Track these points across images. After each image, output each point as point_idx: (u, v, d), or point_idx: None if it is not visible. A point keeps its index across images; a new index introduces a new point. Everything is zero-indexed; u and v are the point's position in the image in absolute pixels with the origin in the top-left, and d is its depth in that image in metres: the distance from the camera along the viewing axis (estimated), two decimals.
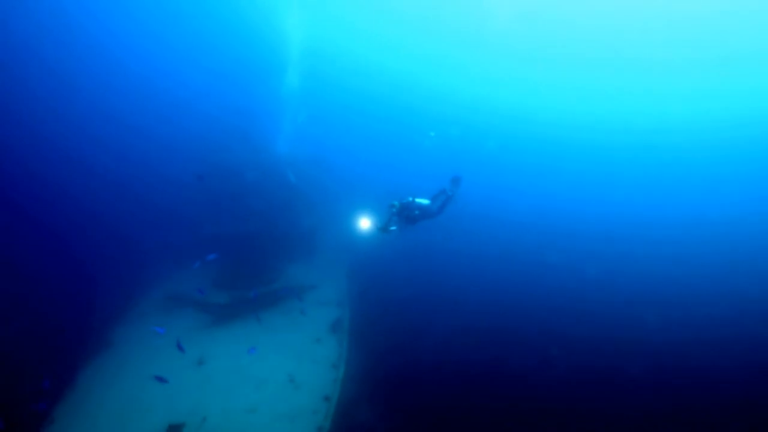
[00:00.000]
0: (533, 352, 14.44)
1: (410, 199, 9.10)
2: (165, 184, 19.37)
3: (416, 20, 40.43)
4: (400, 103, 46.41)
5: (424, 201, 9.32)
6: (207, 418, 8.28)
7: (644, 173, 48.54)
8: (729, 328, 16.28)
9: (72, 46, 25.07)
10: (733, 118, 49.57)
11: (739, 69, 44.12)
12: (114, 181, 20.78)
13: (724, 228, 33.90)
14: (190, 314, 12.75)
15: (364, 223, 9.01)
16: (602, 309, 17.92)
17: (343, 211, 9.74)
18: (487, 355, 14.15)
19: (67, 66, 24.54)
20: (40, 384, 8.69)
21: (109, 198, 19.68)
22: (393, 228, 9.03)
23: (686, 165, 49.53)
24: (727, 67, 44.27)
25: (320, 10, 31.85)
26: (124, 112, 25.48)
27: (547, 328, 16.06)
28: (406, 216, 9.01)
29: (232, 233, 15.87)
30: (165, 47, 28.93)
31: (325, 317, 12.72)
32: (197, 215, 16.84)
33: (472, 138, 45.86)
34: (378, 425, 11.52)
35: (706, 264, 24.47)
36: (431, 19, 40.25)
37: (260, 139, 19.13)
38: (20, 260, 15.30)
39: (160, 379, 8.44)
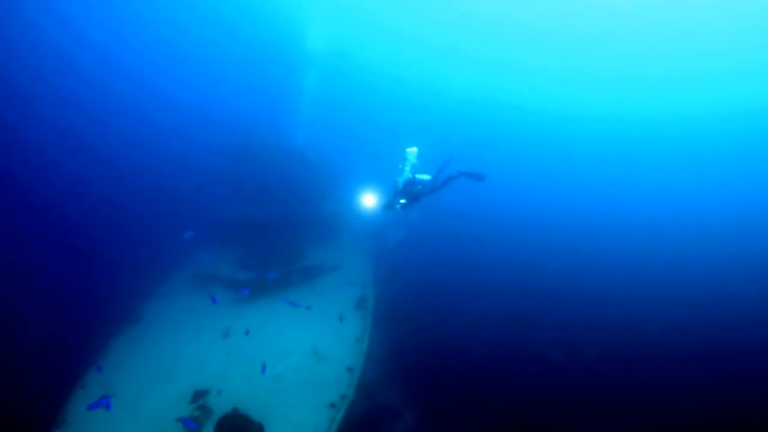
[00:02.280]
0: (559, 345, 14.09)
1: (410, 175, 9.03)
2: (189, 171, 19.75)
3: (432, 19, 39.64)
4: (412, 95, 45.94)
5: (426, 177, 9.22)
6: (222, 392, 8.25)
7: (647, 172, 47.45)
8: (731, 330, 15.66)
9: (101, 49, 26.08)
10: (739, 114, 47.23)
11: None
12: (142, 172, 21.42)
13: (727, 228, 33.00)
14: (217, 291, 12.88)
15: (369, 200, 8.99)
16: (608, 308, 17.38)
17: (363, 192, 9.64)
18: (512, 345, 13.90)
19: (104, 72, 25.60)
20: None
21: (139, 186, 20.25)
22: (398, 205, 8.91)
23: (690, 164, 48.07)
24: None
25: (340, 8, 31.80)
26: (153, 109, 26.36)
27: (576, 321, 15.70)
28: (410, 192, 8.89)
29: (256, 216, 16.02)
30: (188, 42, 29.60)
31: (349, 296, 12.65)
32: (223, 199, 17.09)
33: (471, 146, 45.19)
34: (400, 407, 11.42)
35: (709, 265, 23.84)
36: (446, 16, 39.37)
37: (282, 126, 19.32)
38: (55, 244, 15.92)
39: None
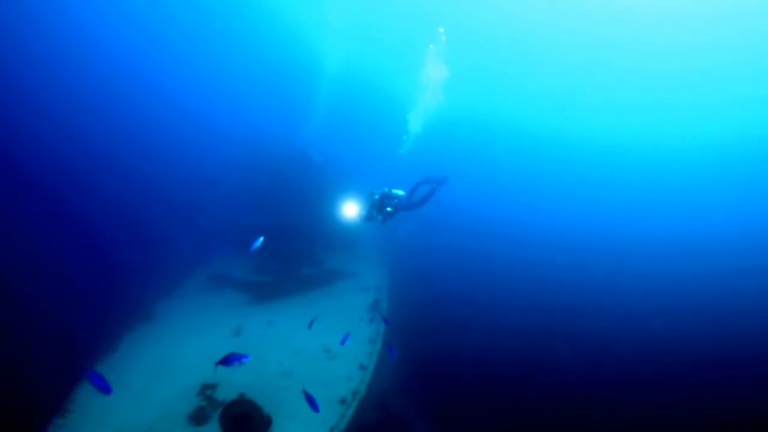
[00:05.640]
0: (574, 357, 13.69)
1: (386, 189, 8.98)
2: (207, 179, 20.01)
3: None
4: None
5: (400, 192, 9.17)
6: (230, 385, 7.98)
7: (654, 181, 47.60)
8: (733, 331, 15.83)
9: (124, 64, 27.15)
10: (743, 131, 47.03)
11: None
12: (163, 182, 21.83)
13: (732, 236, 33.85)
14: (232, 293, 12.79)
15: (349, 210, 8.85)
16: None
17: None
18: (525, 357, 13.52)
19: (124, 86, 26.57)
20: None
21: (158, 194, 20.58)
22: (379, 217, 8.90)
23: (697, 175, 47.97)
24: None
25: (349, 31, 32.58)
26: (175, 122, 27.16)
27: (591, 331, 15.29)
28: (385, 206, 8.87)
29: (273, 222, 15.95)
30: (213, 60, 30.62)
31: (364, 300, 12.43)
32: (239, 207, 17.15)
33: (479, 140, 45.30)
34: (411, 417, 10.97)
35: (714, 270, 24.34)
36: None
37: (299, 136, 19.56)
38: (76, 245, 16.22)
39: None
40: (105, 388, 5.20)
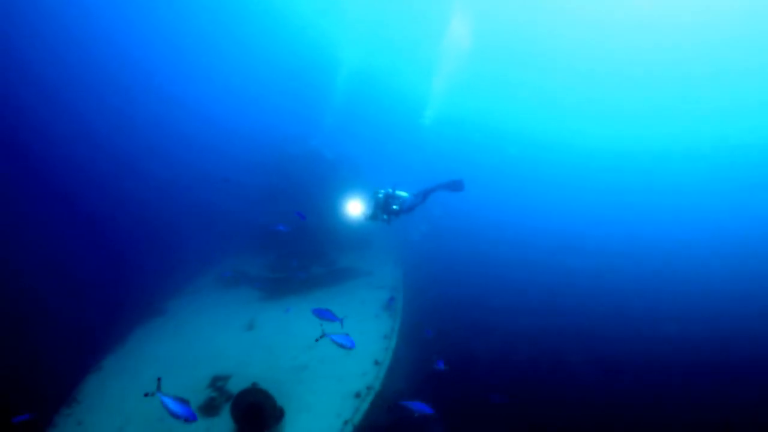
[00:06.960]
0: (590, 360, 13.17)
1: (390, 190, 8.79)
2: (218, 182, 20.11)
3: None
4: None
5: (404, 194, 8.97)
6: (242, 378, 7.73)
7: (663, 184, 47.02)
8: (747, 336, 15.48)
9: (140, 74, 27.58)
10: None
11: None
12: (177, 180, 21.97)
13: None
14: (244, 289, 12.63)
15: (354, 208, 8.73)
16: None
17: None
18: (542, 363, 13.00)
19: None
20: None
21: (173, 194, 20.69)
22: (384, 216, 8.76)
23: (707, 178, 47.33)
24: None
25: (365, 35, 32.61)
26: (191, 126, 27.44)
27: (607, 337, 14.80)
28: (390, 205, 8.70)
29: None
30: (227, 64, 30.96)
31: (379, 299, 12.12)
32: (253, 208, 17.10)
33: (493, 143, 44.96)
34: (424, 421, 10.62)
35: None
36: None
37: (313, 137, 19.52)
38: (92, 243, 16.36)
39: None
40: (190, 415, 4.66)
